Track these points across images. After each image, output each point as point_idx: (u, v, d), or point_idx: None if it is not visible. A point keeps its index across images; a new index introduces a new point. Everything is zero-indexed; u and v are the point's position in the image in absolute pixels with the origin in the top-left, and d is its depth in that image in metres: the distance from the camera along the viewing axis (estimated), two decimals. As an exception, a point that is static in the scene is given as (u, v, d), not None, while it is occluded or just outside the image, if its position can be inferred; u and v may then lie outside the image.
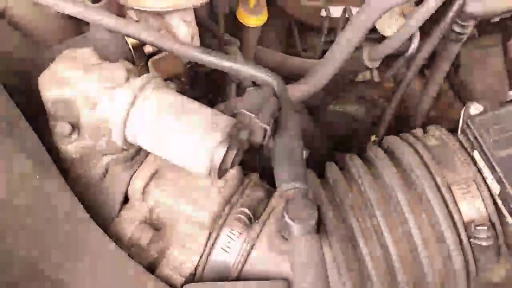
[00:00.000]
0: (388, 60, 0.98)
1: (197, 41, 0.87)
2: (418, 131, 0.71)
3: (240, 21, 0.94)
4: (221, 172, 0.58)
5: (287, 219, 0.56)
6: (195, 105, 0.59)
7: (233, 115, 0.61)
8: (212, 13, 0.96)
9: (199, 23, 0.82)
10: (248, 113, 0.60)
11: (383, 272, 0.62)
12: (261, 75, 0.66)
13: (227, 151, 0.56)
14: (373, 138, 1.14)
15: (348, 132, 1.26)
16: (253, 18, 0.93)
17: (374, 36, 0.96)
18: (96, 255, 0.61)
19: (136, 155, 0.67)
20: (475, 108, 0.64)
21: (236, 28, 1.03)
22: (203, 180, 0.66)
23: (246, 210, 0.65)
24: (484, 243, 0.60)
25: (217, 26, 1.02)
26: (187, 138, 0.56)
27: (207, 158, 0.56)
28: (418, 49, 0.92)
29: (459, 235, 0.61)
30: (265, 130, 0.60)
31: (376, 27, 0.95)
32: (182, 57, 0.75)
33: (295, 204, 0.57)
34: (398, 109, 1.31)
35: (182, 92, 0.63)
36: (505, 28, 1.14)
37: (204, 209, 0.65)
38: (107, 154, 0.65)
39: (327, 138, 1.28)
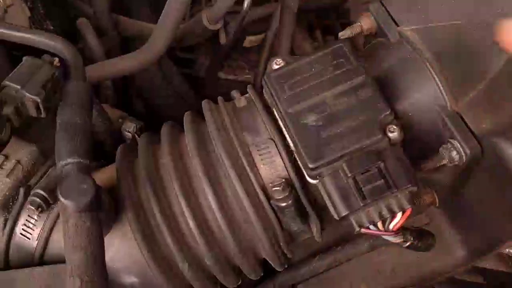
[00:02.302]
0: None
1: (20, 12, 0.82)
2: (234, 93, 0.66)
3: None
4: (-16, 152, 0.53)
5: (60, 196, 0.52)
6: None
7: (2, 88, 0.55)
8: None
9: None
10: (13, 85, 0.55)
11: (184, 245, 0.58)
12: (50, 42, 0.60)
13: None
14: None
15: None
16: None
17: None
18: None
19: None
20: (276, 63, 0.59)
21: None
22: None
23: (41, 192, 0.60)
24: (282, 204, 0.56)
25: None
26: None
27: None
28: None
29: (257, 199, 0.57)
30: (36, 102, 0.55)
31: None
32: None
33: (70, 180, 0.53)
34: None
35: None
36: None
37: (-10, 194, 0.60)
38: None
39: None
